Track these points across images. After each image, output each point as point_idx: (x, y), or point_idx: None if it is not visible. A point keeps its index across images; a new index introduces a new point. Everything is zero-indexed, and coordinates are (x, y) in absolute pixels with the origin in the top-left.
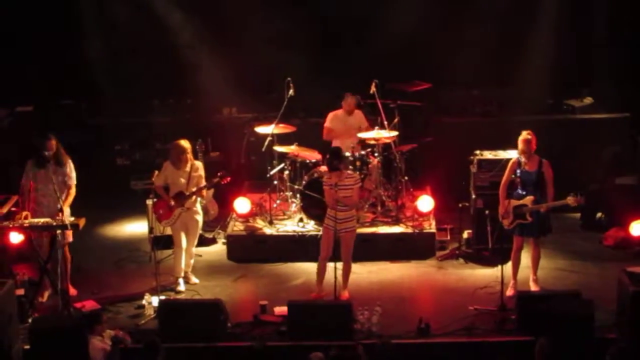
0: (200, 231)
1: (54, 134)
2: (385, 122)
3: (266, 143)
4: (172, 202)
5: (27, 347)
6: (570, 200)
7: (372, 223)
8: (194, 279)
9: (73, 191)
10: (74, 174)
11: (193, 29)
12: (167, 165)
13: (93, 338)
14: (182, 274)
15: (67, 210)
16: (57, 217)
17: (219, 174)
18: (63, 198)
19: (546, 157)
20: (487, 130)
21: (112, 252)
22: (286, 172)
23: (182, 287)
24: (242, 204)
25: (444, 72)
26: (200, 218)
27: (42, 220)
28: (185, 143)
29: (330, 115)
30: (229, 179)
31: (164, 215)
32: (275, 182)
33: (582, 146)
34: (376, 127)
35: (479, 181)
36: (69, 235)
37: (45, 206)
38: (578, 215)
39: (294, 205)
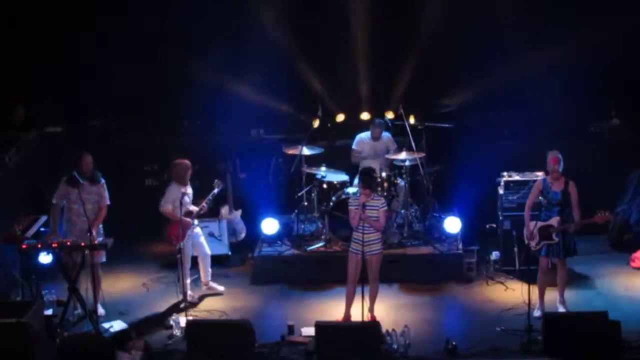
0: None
1: (89, 152)
2: (413, 144)
3: (294, 164)
4: (190, 220)
5: None
6: (598, 217)
7: (400, 244)
8: (220, 287)
9: (104, 212)
10: (107, 194)
11: (221, 50)
12: (174, 187)
13: (122, 354)
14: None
15: (100, 229)
16: (87, 237)
17: (214, 183)
18: (93, 218)
19: (573, 179)
20: (515, 152)
21: (140, 273)
22: (314, 193)
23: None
24: (269, 225)
25: (472, 94)
26: (199, 227)
27: (70, 240)
28: (187, 161)
29: (358, 138)
30: (222, 185)
31: (180, 237)
32: (304, 203)
33: (609, 168)
34: (404, 149)
35: (506, 202)
36: (102, 255)
37: (79, 226)
38: (605, 236)
39: (321, 226)
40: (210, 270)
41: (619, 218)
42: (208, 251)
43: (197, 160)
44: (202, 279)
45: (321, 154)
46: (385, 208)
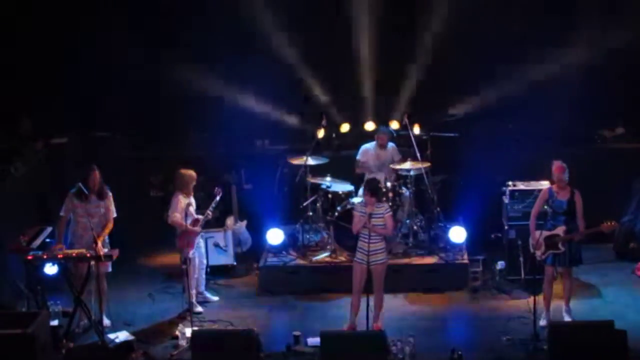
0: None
1: (97, 166)
2: (418, 154)
3: (299, 174)
4: (199, 230)
5: None
6: (604, 226)
7: (405, 254)
8: (214, 297)
9: (111, 225)
10: (113, 207)
11: (226, 61)
12: (180, 197)
13: None
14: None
15: (106, 239)
16: (93, 249)
17: (215, 190)
18: (100, 230)
19: (578, 188)
20: (520, 162)
21: (146, 283)
22: (319, 204)
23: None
24: (275, 235)
25: (477, 104)
26: (201, 237)
27: (75, 251)
28: (192, 171)
29: (363, 148)
30: (222, 192)
31: (190, 246)
32: (309, 214)
33: (613, 176)
34: (408, 159)
35: (511, 212)
36: (108, 265)
37: (85, 239)
38: (610, 245)
39: (326, 236)
40: (204, 280)
41: (624, 227)
42: (205, 261)
43: (202, 171)
44: (197, 287)
45: (326, 164)
46: (390, 213)
